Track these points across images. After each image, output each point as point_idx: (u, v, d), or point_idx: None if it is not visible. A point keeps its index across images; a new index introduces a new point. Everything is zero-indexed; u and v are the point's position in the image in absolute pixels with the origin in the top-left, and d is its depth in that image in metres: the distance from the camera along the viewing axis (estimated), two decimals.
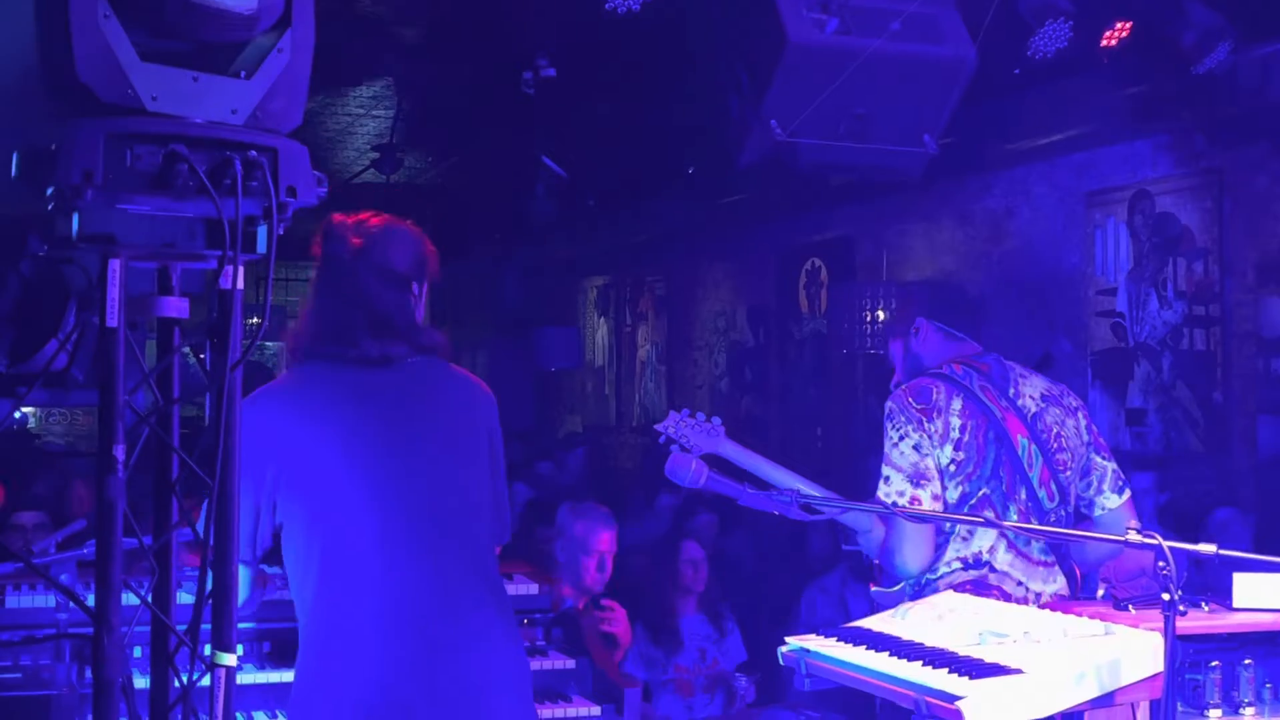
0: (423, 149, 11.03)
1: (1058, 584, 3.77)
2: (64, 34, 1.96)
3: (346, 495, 3.00)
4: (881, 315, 8.71)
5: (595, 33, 6.49)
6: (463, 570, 3.06)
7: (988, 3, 5.25)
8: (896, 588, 3.81)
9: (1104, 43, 5.95)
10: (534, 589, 4.10)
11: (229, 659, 2.07)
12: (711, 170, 10.18)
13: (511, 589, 3.96)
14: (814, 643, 3.06)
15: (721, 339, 12.09)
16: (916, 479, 3.71)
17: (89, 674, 3.45)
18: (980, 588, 3.68)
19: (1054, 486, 3.79)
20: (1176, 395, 7.63)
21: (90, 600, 2.04)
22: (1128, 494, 3.91)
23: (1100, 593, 3.46)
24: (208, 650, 2.09)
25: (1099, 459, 3.92)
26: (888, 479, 3.74)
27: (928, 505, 3.68)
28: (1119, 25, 5.93)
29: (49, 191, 2.04)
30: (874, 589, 3.97)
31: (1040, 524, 3.75)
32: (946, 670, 2.69)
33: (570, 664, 4.05)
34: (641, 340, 13.59)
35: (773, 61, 4.95)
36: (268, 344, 12.14)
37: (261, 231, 2.12)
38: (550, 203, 8.79)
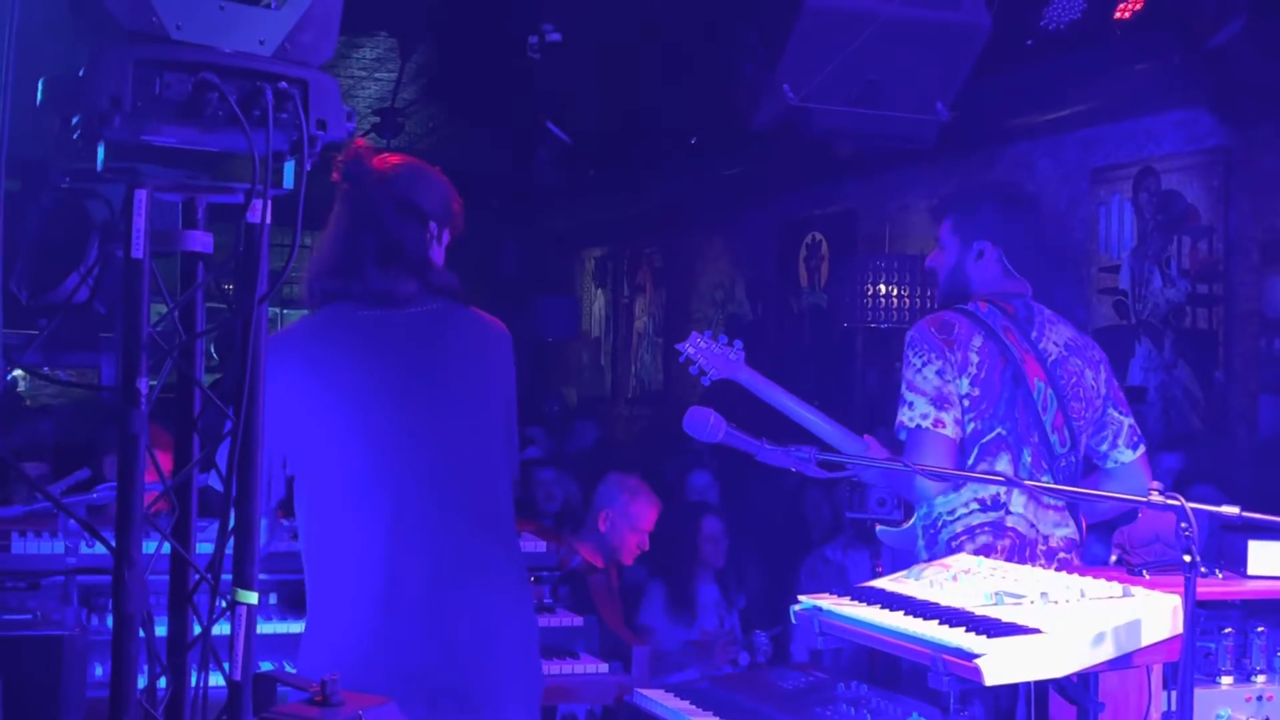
0: (425, 114, 10.97)
1: (1069, 529, 3.78)
2: None
3: (355, 447, 2.97)
4: (884, 289, 8.68)
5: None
6: (472, 521, 3.03)
7: None
8: (908, 524, 3.79)
9: (1117, 15, 5.92)
10: (541, 546, 4.09)
11: (250, 597, 2.05)
12: (714, 141, 10.15)
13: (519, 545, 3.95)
14: (828, 601, 3.04)
15: (719, 312, 12.06)
16: (940, 402, 3.68)
17: (96, 620, 3.44)
18: (997, 530, 3.67)
19: (1066, 432, 3.78)
20: (1177, 374, 7.62)
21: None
22: (1142, 449, 3.90)
23: (1113, 558, 3.43)
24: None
25: (1115, 413, 3.90)
26: (911, 404, 3.70)
27: (950, 430, 3.65)
28: None
29: (74, 120, 2.01)
30: (880, 528, 3.94)
31: (1049, 468, 3.74)
32: (964, 629, 2.67)
33: (578, 621, 4.04)
34: (639, 312, 13.56)
35: (787, 25, 4.92)
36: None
37: (289, 167, 2.09)
38: (553, 169, 8.74)
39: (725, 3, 5.45)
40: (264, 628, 3.75)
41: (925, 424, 3.66)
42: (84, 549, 3.40)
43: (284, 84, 1.98)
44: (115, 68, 1.91)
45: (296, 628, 3.65)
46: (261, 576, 3.78)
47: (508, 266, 13.31)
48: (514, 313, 14.03)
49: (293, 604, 3.81)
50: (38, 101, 2.03)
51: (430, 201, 3.13)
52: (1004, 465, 3.71)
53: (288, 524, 3.28)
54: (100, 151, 2.01)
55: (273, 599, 3.86)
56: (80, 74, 1.95)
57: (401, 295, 3.06)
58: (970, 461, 3.71)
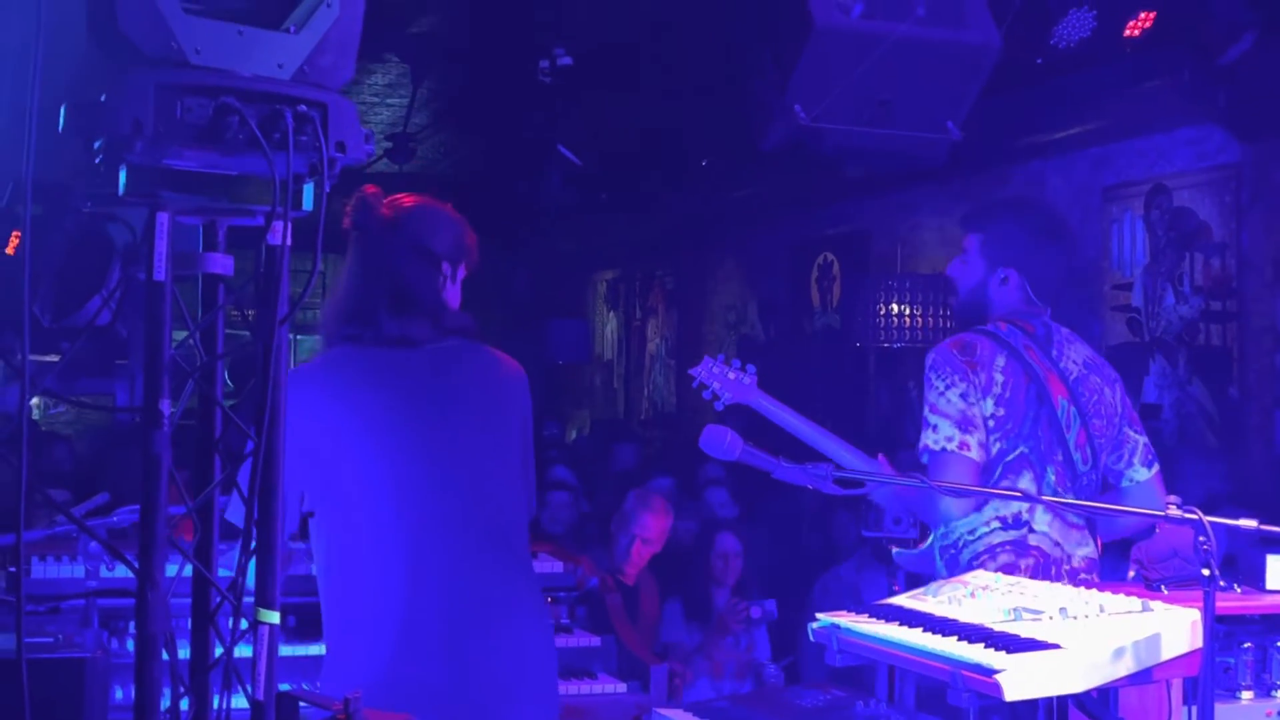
0: (436, 139, 11.02)
1: (1089, 548, 3.77)
2: None
3: (372, 481, 2.98)
4: (896, 309, 8.68)
5: (615, 19, 6.47)
6: (490, 550, 3.04)
7: None
8: (924, 544, 3.78)
9: (1127, 33, 5.93)
10: (558, 567, 4.10)
11: (272, 617, 2.06)
12: (725, 163, 10.17)
13: (535, 566, 3.96)
14: (846, 619, 3.04)
15: (732, 333, 12.07)
16: (964, 425, 3.66)
17: (116, 644, 3.45)
18: (1020, 549, 3.66)
19: (1089, 450, 3.77)
20: (1192, 391, 7.61)
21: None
22: (1157, 468, 3.89)
23: (1131, 574, 3.43)
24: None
25: (1131, 432, 3.90)
26: (935, 426, 3.68)
27: (974, 452, 3.64)
28: (1142, 15, 5.91)
29: (96, 145, 2.03)
30: (896, 550, 3.93)
31: (1072, 486, 3.73)
32: (983, 645, 2.67)
33: (595, 641, 4.04)
34: (651, 334, 13.57)
35: (798, 46, 4.92)
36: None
37: (308, 189, 2.11)
38: (565, 192, 8.78)
39: (736, 25, 5.46)
40: (282, 650, 3.75)
41: (950, 446, 3.64)
42: (104, 572, 3.42)
43: (303, 107, 2.00)
44: (137, 92, 1.93)
45: (315, 650, 3.65)
46: (279, 600, 3.81)
47: (520, 290, 13.35)
48: (526, 336, 14.09)
49: (310, 627, 3.81)
50: (59, 128, 2.05)
51: (442, 242, 3.15)
52: (1027, 483, 3.70)
53: (304, 546, 3.29)
54: (122, 176, 2.03)
55: (291, 622, 3.86)
56: (101, 99, 1.97)
57: (415, 338, 3.10)
58: (995, 479, 3.70)
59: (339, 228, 3.16)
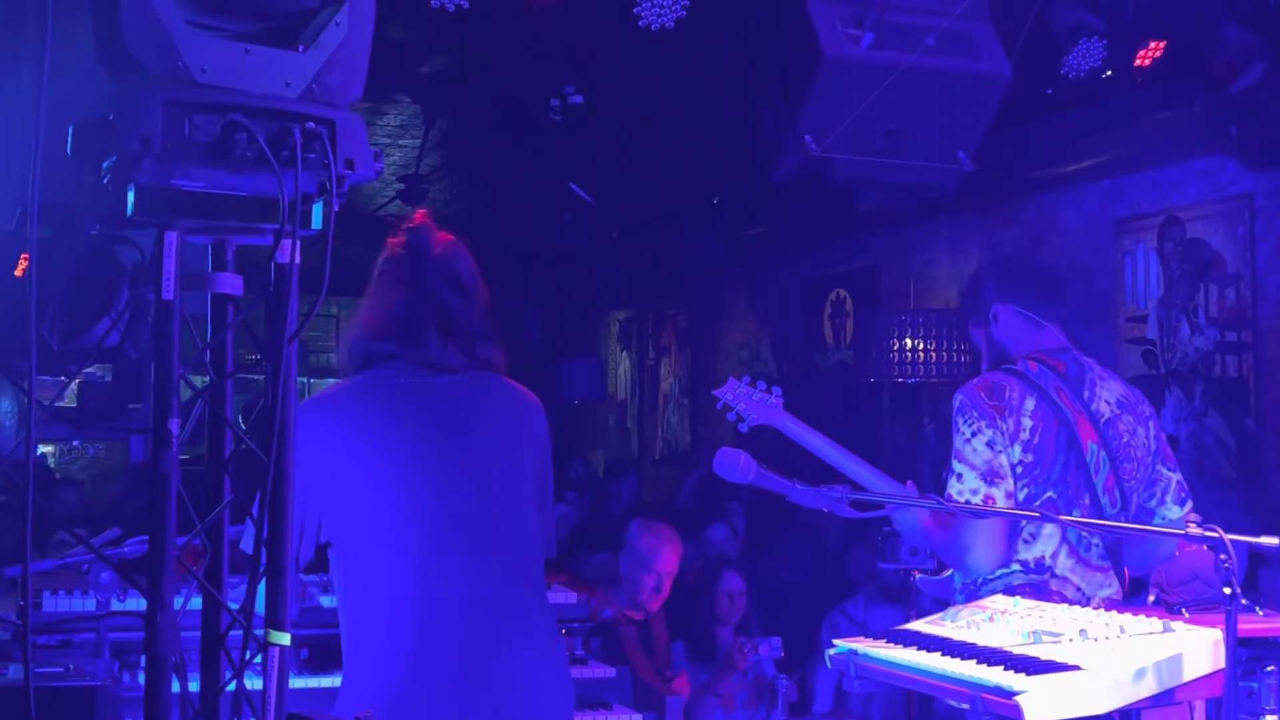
0: (449, 180, 11.04)
1: (1111, 589, 3.68)
2: (113, 3, 1.95)
3: (391, 514, 2.97)
4: (909, 343, 8.66)
5: (626, 55, 6.49)
6: (506, 585, 3.03)
7: (1022, 21, 5.24)
8: (946, 573, 3.73)
9: (1137, 62, 5.94)
10: (572, 598, 4.07)
11: (283, 638, 2.04)
12: (736, 201, 10.18)
13: (550, 598, 3.93)
14: (863, 644, 3.00)
15: (745, 371, 12.04)
16: (990, 477, 3.56)
17: (128, 677, 3.43)
18: (1041, 592, 3.55)
19: (1117, 494, 3.68)
20: (1209, 423, 7.57)
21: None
22: (1189, 506, 3.81)
23: (1151, 599, 3.39)
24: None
25: (1164, 470, 3.81)
26: (960, 476, 3.58)
27: (1001, 504, 3.53)
28: (1152, 44, 5.91)
29: (105, 165, 2.03)
30: (919, 575, 3.88)
31: (1100, 533, 3.63)
32: (1002, 667, 2.63)
33: (610, 673, 4.01)
34: (664, 373, 13.56)
35: (808, 77, 4.94)
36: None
37: (317, 208, 2.10)
38: (577, 230, 8.79)
39: (746, 58, 5.48)
40: (295, 683, 3.72)
41: (975, 499, 3.54)
42: (115, 604, 3.40)
43: (311, 124, 2.00)
44: (145, 109, 1.93)
45: (329, 682, 3.63)
46: (293, 632, 3.79)
47: (533, 330, 13.35)
48: (540, 376, 14.08)
49: (326, 659, 3.79)
50: (68, 149, 2.04)
51: (474, 277, 3.23)
52: (1053, 528, 3.62)
53: (315, 579, 3.27)
54: (130, 196, 2.03)
55: (305, 654, 3.84)
56: (110, 118, 1.96)
57: (455, 365, 3.12)
58: (1021, 526, 3.62)
59: (350, 270, 3.18)
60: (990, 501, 3.53)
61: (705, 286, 12.56)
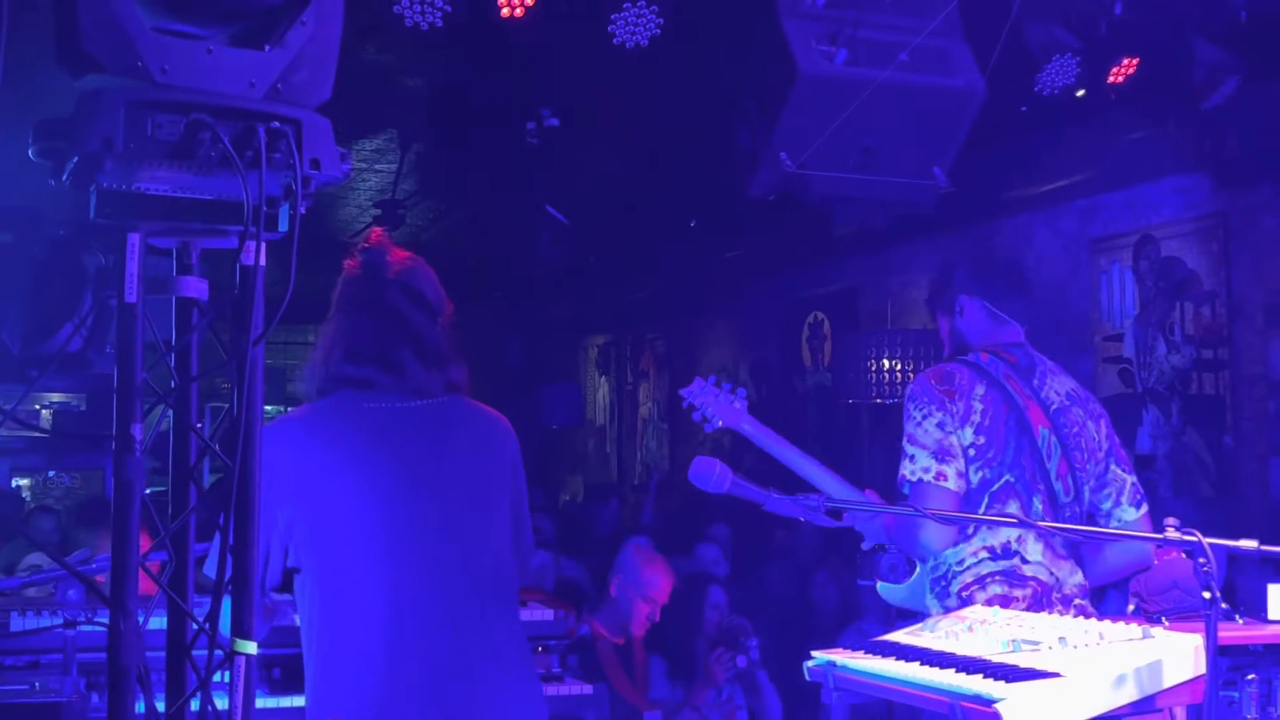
0: (425, 205, 11.01)
1: (1079, 575, 3.73)
2: (70, 2, 1.92)
3: (361, 540, 2.92)
4: (887, 364, 8.65)
5: (601, 74, 6.48)
6: (476, 602, 2.98)
7: (995, 38, 5.25)
8: (913, 577, 3.73)
9: (1111, 79, 5.95)
10: (548, 615, 4.03)
11: (249, 647, 2.00)
12: (713, 224, 10.17)
13: (526, 614, 3.89)
14: (841, 656, 2.97)
15: None
16: (941, 455, 3.65)
17: (96, 698, 3.37)
18: (1013, 579, 3.61)
19: (1070, 481, 3.74)
20: (1186, 440, 7.57)
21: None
22: (1145, 508, 3.84)
23: (1131, 607, 3.38)
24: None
25: (1118, 470, 3.86)
26: (912, 457, 3.68)
27: (952, 482, 3.63)
28: (1126, 62, 5.93)
29: (67, 167, 1.99)
30: (880, 585, 3.87)
31: (1054, 517, 3.69)
32: (981, 675, 2.61)
33: (588, 690, 3.96)
34: (643, 398, 13.54)
35: (783, 93, 4.93)
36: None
37: (283, 211, 2.07)
38: (554, 252, 8.76)
39: (721, 75, 5.47)
40: (266, 702, 3.68)
41: (927, 477, 3.64)
42: (83, 625, 3.35)
43: (276, 123, 1.97)
44: (106, 108, 1.89)
45: (299, 702, 3.58)
46: (264, 651, 3.74)
47: (511, 356, 13.32)
48: (518, 402, 14.04)
49: (295, 679, 3.74)
50: (29, 151, 2.01)
51: (437, 295, 3.14)
52: (1015, 511, 3.67)
53: (288, 598, 3.22)
54: (92, 198, 1.99)
55: (276, 674, 3.79)
56: (71, 118, 1.93)
57: (432, 390, 3.05)
58: (981, 510, 3.66)
59: (326, 297, 3.12)
60: (941, 478, 3.63)
61: (683, 311, 12.56)
